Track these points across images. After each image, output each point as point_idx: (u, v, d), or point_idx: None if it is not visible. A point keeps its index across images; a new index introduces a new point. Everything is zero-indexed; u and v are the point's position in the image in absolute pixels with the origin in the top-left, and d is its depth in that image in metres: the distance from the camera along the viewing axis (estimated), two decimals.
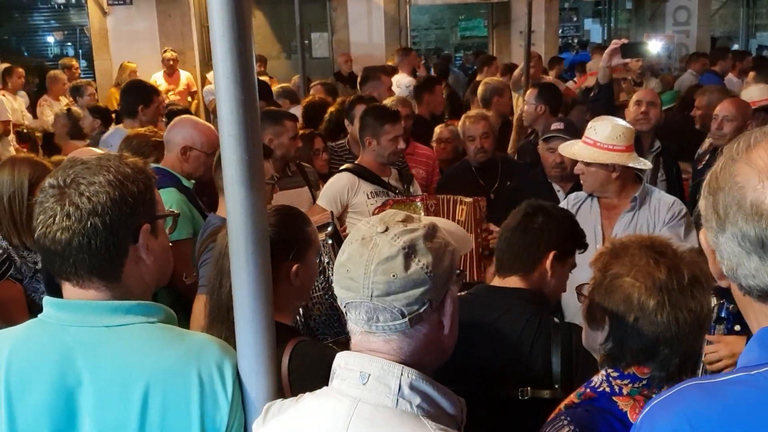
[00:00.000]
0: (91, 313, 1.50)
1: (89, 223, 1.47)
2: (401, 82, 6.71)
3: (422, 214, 3.59)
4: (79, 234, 1.47)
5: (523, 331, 2.24)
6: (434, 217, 1.66)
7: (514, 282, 2.36)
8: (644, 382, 1.66)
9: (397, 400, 1.30)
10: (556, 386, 2.14)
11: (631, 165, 3.28)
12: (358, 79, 6.74)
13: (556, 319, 2.28)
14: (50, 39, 13.37)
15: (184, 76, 10.09)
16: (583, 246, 2.48)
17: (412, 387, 1.30)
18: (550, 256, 2.33)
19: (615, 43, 4.46)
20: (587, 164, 3.29)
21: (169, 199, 3.23)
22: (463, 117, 4.62)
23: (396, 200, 3.78)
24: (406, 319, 1.31)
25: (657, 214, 3.28)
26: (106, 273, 1.52)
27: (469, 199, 3.63)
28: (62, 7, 12.79)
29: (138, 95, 4.98)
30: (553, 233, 2.36)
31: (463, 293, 2.47)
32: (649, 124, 4.52)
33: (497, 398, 2.17)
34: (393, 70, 7.44)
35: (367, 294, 1.30)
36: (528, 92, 5.47)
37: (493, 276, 2.50)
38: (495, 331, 2.27)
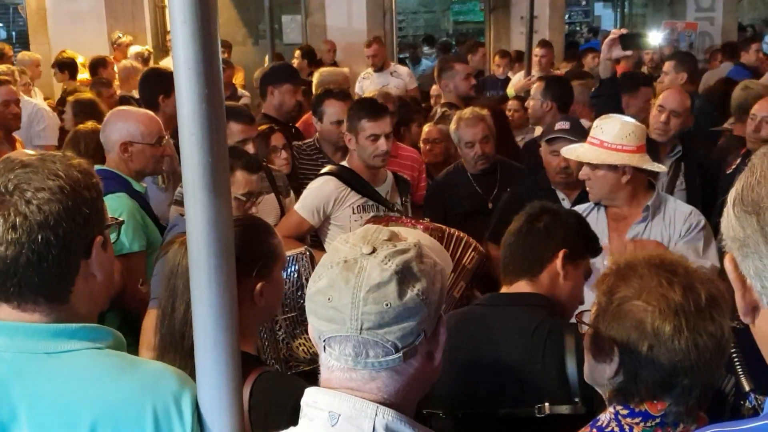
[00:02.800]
0: (30, 337, 1.50)
1: (40, 236, 1.46)
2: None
3: None
4: (29, 249, 1.46)
5: (533, 340, 2.28)
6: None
7: (521, 287, 2.43)
8: (657, 420, 1.67)
9: None
10: (576, 400, 2.18)
11: (644, 167, 3.28)
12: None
13: (569, 321, 2.29)
14: None
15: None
16: (597, 251, 2.55)
17: (388, 429, 1.30)
18: (560, 254, 2.40)
19: (614, 33, 4.46)
20: (593, 168, 3.28)
21: (119, 206, 3.21)
22: (455, 118, 4.52)
23: (392, 218, 3.73)
24: (401, 353, 1.30)
25: (672, 225, 3.28)
26: (55, 293, 1.52)
27: (482, 249, 3.59)
28: None
29: (158, 84, 4.93)
30: (560, 231, 2.44)
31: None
32: (666, 136, 4.45)
33: (513, 418, 2.21)
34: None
35: (355, 327, 1.28)
36: (534, 86, 5.43)
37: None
38: (503, 343, 2.32)
